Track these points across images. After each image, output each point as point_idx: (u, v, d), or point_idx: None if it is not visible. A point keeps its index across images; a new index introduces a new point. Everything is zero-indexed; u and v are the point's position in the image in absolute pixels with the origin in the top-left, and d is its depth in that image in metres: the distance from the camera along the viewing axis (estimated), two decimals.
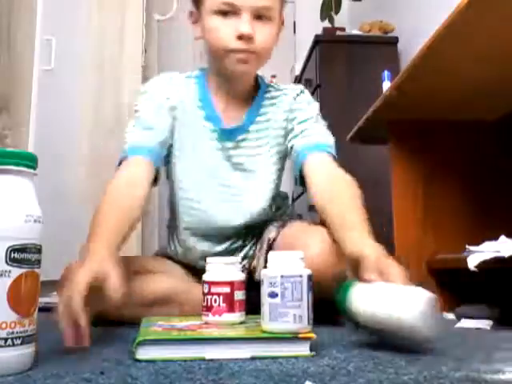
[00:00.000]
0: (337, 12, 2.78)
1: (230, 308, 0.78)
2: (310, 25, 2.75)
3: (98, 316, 0.86)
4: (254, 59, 1.00)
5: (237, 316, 0.79)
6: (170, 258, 1.18)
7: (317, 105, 1.14)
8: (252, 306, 0.84)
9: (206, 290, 0.80)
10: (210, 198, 1.09)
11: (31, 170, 0.57)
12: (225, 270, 0.81)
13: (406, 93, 1.32)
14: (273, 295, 0.67)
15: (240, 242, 1.12)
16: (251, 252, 1.13)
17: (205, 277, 0.81)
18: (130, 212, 0.94)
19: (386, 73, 1.74)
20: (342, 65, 2.37)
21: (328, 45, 2.41)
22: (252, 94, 1.12)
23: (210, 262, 0.83)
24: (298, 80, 2.88)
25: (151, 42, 2.70)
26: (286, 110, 1.10)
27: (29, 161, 0.57)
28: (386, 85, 1.69)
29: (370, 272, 0.72)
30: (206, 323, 0.78)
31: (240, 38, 0.97)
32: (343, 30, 2.60)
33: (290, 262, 0.69)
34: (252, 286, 0.88)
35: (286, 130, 1.10)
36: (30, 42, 1.82)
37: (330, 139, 1.07)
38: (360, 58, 2.37)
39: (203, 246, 1.10)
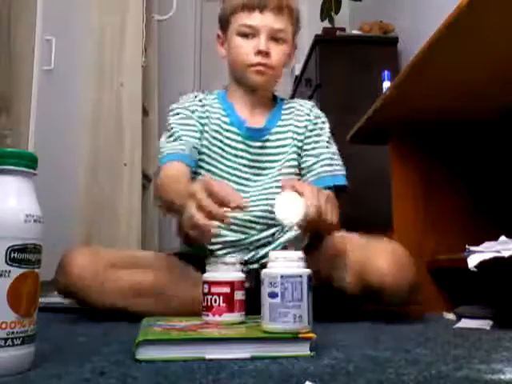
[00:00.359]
0: (337, 12, 2.79)
1: (230, 308, 0.78)
2: (310, 25, 2.74)
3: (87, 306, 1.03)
4: (269, 72, 1.20)
5: (237, 316, 0.79)
6: (176, 255, 1.22)
7: (327, 122, 1.31)
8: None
9: (206, 290, 0.80)
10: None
11: (31, 170, 0.57)
12: (225, 269, 0.81)
13: (405, 93, 1.32)
14: (273, 295, 0.67)
15: (262, 235, 1.19)
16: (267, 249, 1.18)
17: (205, 277, 0.82)
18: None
19: (385, 73, 1.74)
20: (341, 65, 2.37)
21: (328, 45, 2.41)
22: (272, 104, 1.31)
23: (209, 261, 0.84)
24: (298, 80, 2.88)
25: (151, 42, 2.70)
26: (305, 119, 1.28)
27: (29, 161, 0.57)
28: (386, 85, 1.69)
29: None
30: (206, 323, 0.78)
31: (258, 53, 1.17)
32: (343, 30, 2.60)
33: (290, 262, 0.69)
34: None
35: (304, 137, 1.26)
36: (29, 42, 1.82)
37: (336, 169, 1.24)
38: (360, 58, 2.37)
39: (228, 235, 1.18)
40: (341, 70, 2.36)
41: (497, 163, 1.50)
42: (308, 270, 0.69)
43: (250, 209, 1.16)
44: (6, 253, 0.53)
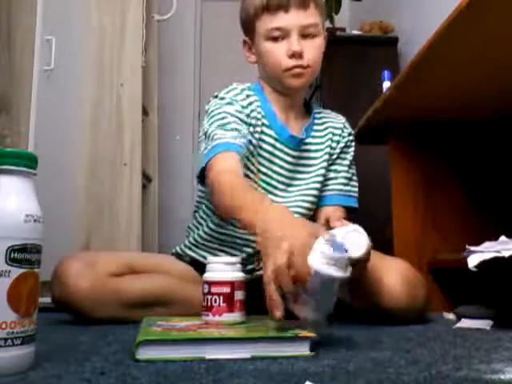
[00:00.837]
0: (337, 12, 2.78)
1: (230, 308, 0.78)
2: None
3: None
4: (306, 73, 1.12)
5: (237, 316, 0.79)
6: (173, 255, 1.20)
7: (354, 141, 1.26)
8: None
9: (206, 290, 0.80)
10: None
11: (31, 170, 0.57)
12: (225, 269, 0.81)
13: (406, 93, 1.32)
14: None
15: None
16: None
17: (205, 277, 0.82)
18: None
19: (385, 73, 1.74)
20: (342, 65, 2.37)
21: (328, 45, 2.40)
22: (304, 111, 1.24)
23: (210, 261, 0.84)
24: None
25: (151, 42, 2.70)
26: (340, 134, 1.22)
27: (29, 161, 0.57)
28: (386, 85, 1.69)
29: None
30: (206, 323, 0.78)
31: (292, 55, 1.09)
32: (343, 30, 2.60)
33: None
34: None
35: (334, 153, 1.21)
36: (30, 42, 1.82)
37: (351, 191, 1.22)
38: (360, 57, 2.37)
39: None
40: (341, 69, 2.36)
41: (497, 163, 1.50)
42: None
43: None
44: (6, 253, 0.53)
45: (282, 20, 1.09)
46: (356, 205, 1.22)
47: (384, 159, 1.65)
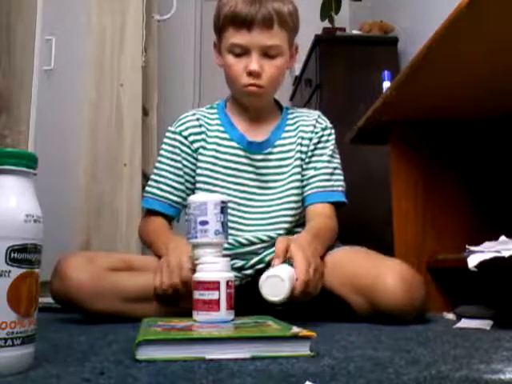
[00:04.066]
0: (337, 12, 2.78)
1: (218, 306, 0.79)
2: (310, 25, 2.74)
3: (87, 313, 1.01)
4: (262, 92, 1.17)
5: (225, 314, 0.79)
6: None
7: (333, 134, 1.27)
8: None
9: (194, 289, 0.81)
10: (235, 211, 1.18)
11: (31, 170, 0.57)
12: (213, 268, 0.82)
13: (405, 93, 1.32)
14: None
15: (261, 246, 1.18)
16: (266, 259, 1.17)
17: (194, 276, 0.82)
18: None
19: (385, 73, 1.74)
20: (342, 65, 2.37)
21: (328, 45, 2.41)
22: (275, 115, 1.28)
23: (198, 261, 0.84)
24: (297, 80, 2.88)
25: (151, 42, 2.70)
26: (310, 131, 1.24)
27: (29, 161, 0.57)
28: (386, 85, 1.69)
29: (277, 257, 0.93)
30: (195, 321, 0.78)
31: (250, 74, 1.13)
32: (343, 30, 2.60)
33: None
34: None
35: (308, 150, 1.23)
36: (30, 42, 1.82)
37: (334, 185, 1.22)
38: (360, 58, 2.37)
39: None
40: (341, 69, 2.36)
41: (497, 163, 1.50)
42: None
43: (253, 229, 1.18)
44: (6, 253, 0.53)
45: (244, 38, 1.12)
46: (342, 199, 1.22)
47: (384, 159, 1.65)
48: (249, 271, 1.16)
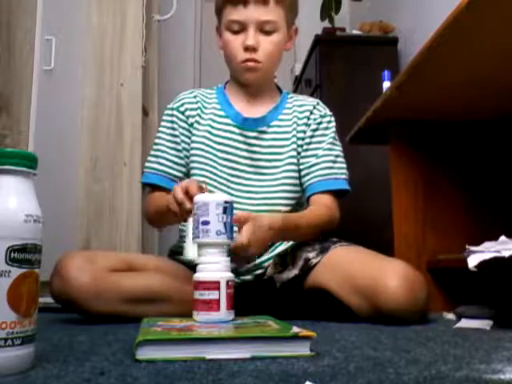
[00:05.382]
0: (337, 12, 2.78)
1: (219, 306, 0.79)
2: (310, 25, 2.74)
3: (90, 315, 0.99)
4: (260, 68, 1.17)
5: (225, 314, 0.79)
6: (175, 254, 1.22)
7: (333, 122, 1.26)
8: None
9: (194, 289, 0.81)
10: (224, 186, 1.18)
11: (31, 170, 0.57)
12: (213, 269, 0.82)
13: (406, 93, 1.32)
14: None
15: None
16: (266, 256, 1.16)
17: (194, 276, 0.82)
18: None
19: (385, 73, 1.74)
20: (342, 65, 2.37)
21: (328, 45, 2.41)
22: (274, 96, 1.28)
23: (198, 261, 0.84)
24: (297, 80, 2.88)
25: (151, 42, 2.70)
26: (307, 116, 1.24)
27: (29, 161, 0.57)
28: (386, 85, 1.69)
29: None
30: (195, 321, 0.78)
31: (246, 49, 1.15)
32: (343, 30, 2.60)
33: None
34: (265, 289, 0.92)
35: (305, 136, 1.23)
36: (30, 42, 1.82)
37: (337, 173, 1.21)
38: (360, 58, 2.37)
39: None
40: (341, 69, 2.36)
41: (497, 163, 1.50)
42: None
43: (242, 207, 1.15)
44: (6, 253, 0.53)
45: (240, 14, 1.15)
46: (346, 186, 1.21)
47: (384, 159, 1.65)
48: (248, 277, 1.16)
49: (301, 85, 2.78)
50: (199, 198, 0.86)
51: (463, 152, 1.53)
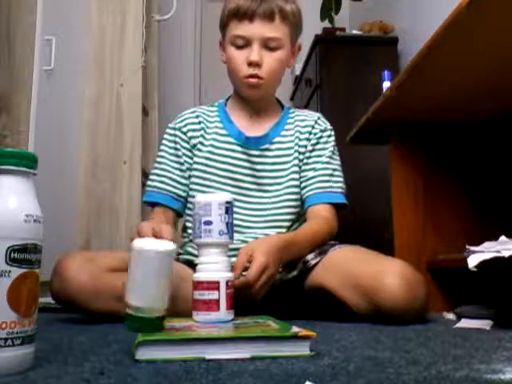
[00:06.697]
0: (337, 12, 2.78)
1: (219, 306, 0.79)
2: (310, 25, 2.74)
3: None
4: (262, 84, 1.18)
5: (225, 314, 0.79)
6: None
7: (333, 136, 1.27)
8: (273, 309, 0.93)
9: (194, 289, 0.81)
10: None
11: (31, 170, 0.57)
12: (213, 269, 0.81)
13: (405, 93, 1.32)
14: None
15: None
16: None
17: (194, 276, 0.82)
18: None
19: (385, 73, 1.74)
20: (341, 65, 2.37)
21: (328, 45, 2.41)
22: (276, 112, 1.28)
23: (198, 261, 0.84)
24: (298, 80, 2.88)
25: (151, 42, 2.70)
26: (308, 131, 1.24)
27: (29, 161, 0.57)
28: (386, 85, 1.69)
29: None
30: (195, 321, 0.78)
31: (250, 64, 1.15)
32: (343, 30, 2.60)
33: None
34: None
35: (305, 151, 1.23)
36: (29, 42, 1.82)
37: (333, 186, 1.21)
38: (360, 58, 2.37)
39: None
40: (341, 69, 2.36)
41: (497, 163, 1.50)
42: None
43: (247, 225, 1.17)
44: (6, 253, 0.53)
45: (245, 29, 1.15)
46: (342, 200, 1.22)
47: (384, 159, 1.65)
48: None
49: (301, 85, 2.78)
50: (200, 198, 0.86)
51: (463, 152, 1.53)
